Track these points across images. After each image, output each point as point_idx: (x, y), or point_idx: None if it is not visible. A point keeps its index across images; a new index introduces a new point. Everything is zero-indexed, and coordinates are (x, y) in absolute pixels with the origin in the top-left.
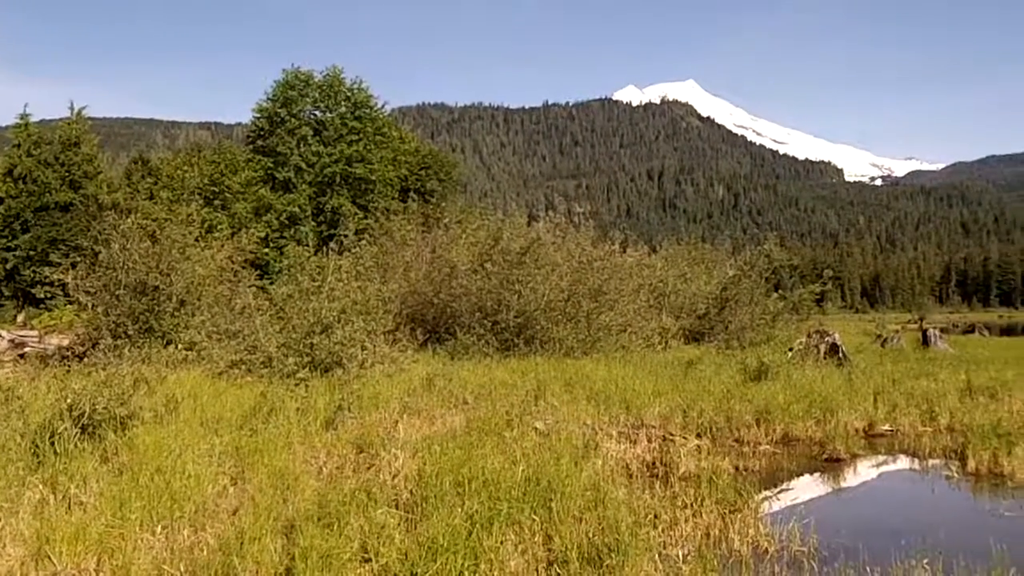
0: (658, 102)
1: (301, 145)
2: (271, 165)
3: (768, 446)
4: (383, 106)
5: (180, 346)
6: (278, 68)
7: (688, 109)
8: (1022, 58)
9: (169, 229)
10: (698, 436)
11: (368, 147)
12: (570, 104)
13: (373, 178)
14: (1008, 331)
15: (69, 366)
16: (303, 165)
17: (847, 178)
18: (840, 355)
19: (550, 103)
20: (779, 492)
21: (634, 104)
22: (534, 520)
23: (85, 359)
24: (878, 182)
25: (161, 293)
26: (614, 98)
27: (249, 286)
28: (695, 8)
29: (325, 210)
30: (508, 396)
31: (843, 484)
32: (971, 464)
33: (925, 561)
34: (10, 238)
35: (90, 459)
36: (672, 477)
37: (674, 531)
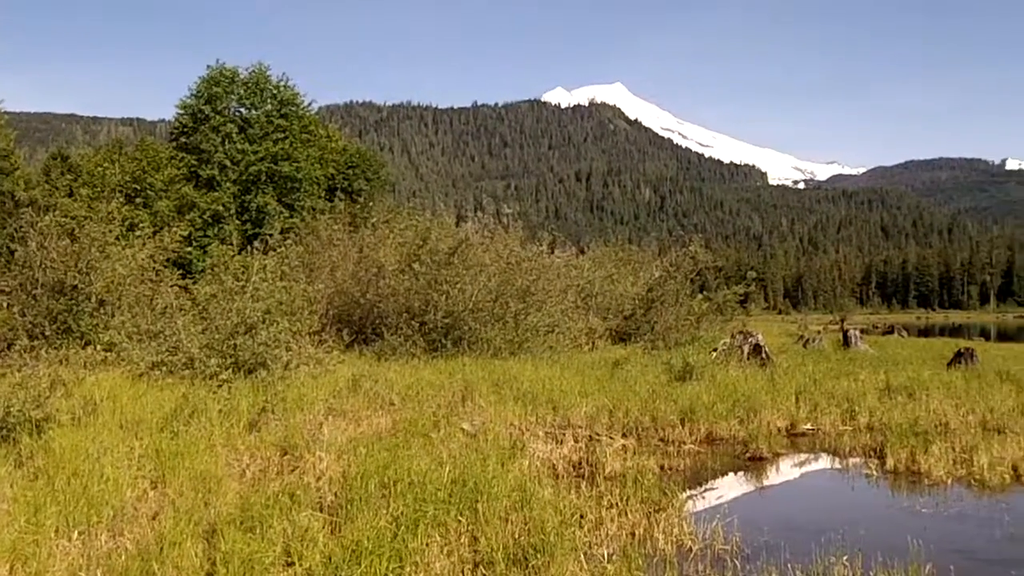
0: (586, 104)
1: (226, 142)
2: (195, 162)
3: (693, 445)
4: (310, 104)
5: (99, 347)
6: (202, 65)
7: (616, 112)
8: (941, 65)
9: (89, 227)
10: (624, 436)
11: (294, 145)
12: (499, 105)
13: (299, 176)
14: (925, 332)
15: None
16: (228, 163)
17: (771, 181)
18: (763, 355)
19: (479, 103)
20: (703, 491)
21: (563, 106)
22: (460, 522)
23: None
24: (801, 185)
25: (80, 293)
26: (543, 100)
27: (171, 286)
28: (622, 11)
29: (250, 208)
30: (435, 397)
31: (766, 482)
32: (890, 462)
33: (845, 558)
34: None
35: (3, 464)
36: (598, 477)
37: (600, 531)
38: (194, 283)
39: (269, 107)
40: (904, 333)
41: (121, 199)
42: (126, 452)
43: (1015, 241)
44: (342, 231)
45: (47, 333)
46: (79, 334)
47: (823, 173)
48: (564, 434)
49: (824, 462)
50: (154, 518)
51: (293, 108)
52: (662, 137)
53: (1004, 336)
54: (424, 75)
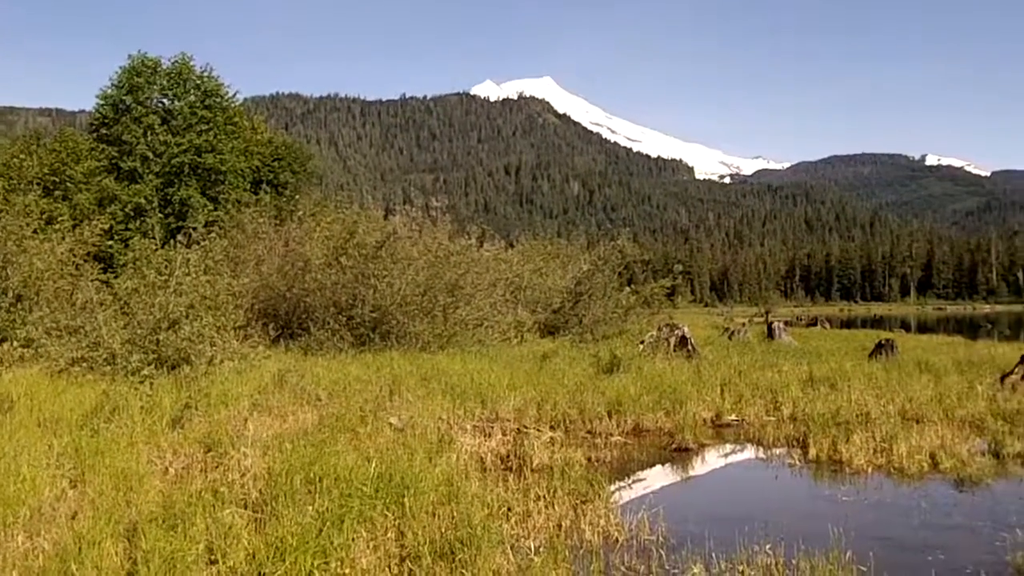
0: (515, 98)
1: (148, 134)
2: (116, 154)
3: (620, 437)
4: (234, 95)
5: (16, 343)
6: (124, 54)
7: (545, 106)
8: (863, 60)
9: (5, 220)
10: (552, 428)
11: (218, 137)
12: (428, 97)
13: (224, 169)
14: (848, 324)
15: None
16: (150, 155)
17: (698, 176)
18: (689, 347)
19: (408, 96)
20: (630, 482)
21: (492, 99)
22: (387, 516)
23: None
24: (727, 180)
25: None
26: (472, 93)
27: (92, 280)
28: (552, 4)
29: (173, 201)
30: (363, 392)
31: (691, 473)
32: (812, 452)
33: (768, 546)
34: None
35: None
36: (526, 469)
37: (527, 523)
38: (115, 277)
39: (192, 98)
40: (827, 325)
41: (39, 192)
42: (44, 451)
43: (934, 235)
44: (267, 224)
45: None
46: None
47: (749, 168)
48: (492, 427)
49: (748, 452)
50: (73, 518)
51: (217, 99)
52: (591, 131)
53: (924, 328)
54: (352, 67)
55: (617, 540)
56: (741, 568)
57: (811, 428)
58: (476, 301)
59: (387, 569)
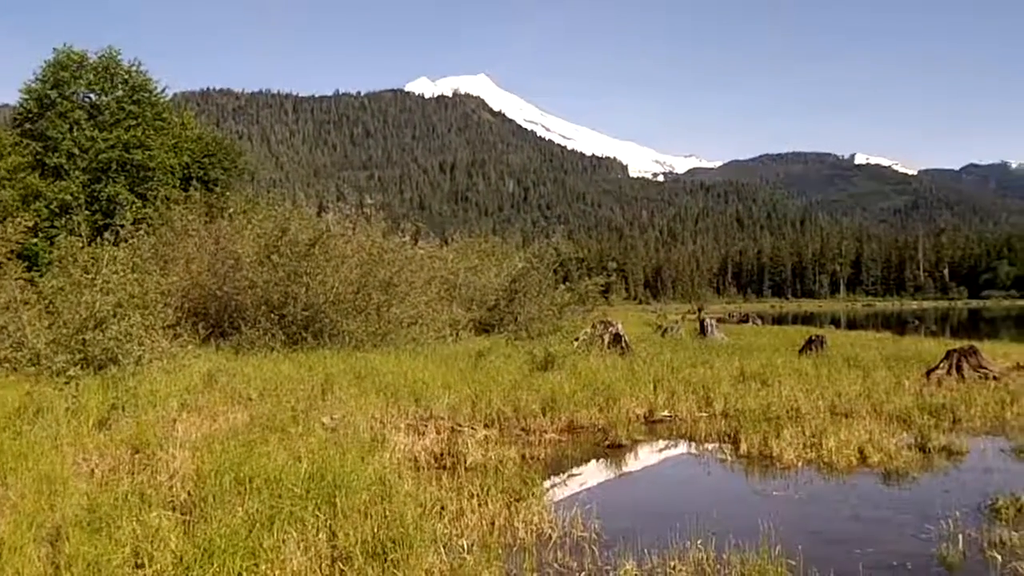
0: (450, 95)
1: (74, 129)
2: (40, 150)
3: (554, 434)
4: (163, 90)
5: None
6: (49, 47)
7: (480, 103)
8: (794, 59)
9: None
10: (486, 426)
11: (147, 133)
12: (362, 94)
13: (152, 165)
14: (779, 320)
15: None
16: (76, 151)
17: (631, 174)
18: (623, 344)
19: (341, 92)
20: (564, 479)
21: (427, 96)
22: (318, 517)
23: None
24: (660, 178)
25: None
26: (406, 89)
27: (16, 279)
28: (487, 2)
29: (100, 198)
30: (294, 391)
31: (625, 469)
32: (743, 447)
33: (700, 542)
34: None
35: None
36: (460, 468)
37: (460, 522)
38: (40, 276)
39: (120, 93)
40: (759, 321)
41: None
42: None
43: (863, 232)
44: (198, 222)
45: None
46: None
47: (682, 166)
48: (426, 426)
49: (681, 448)
50: None
51: (146, 94)
52: (525, 129)
53: (853, 324)
54: (284, 62)
55: (550, 537)
56: (673, 564)
57: (742, 424)
58: (410, 299)
59: (318, 570)
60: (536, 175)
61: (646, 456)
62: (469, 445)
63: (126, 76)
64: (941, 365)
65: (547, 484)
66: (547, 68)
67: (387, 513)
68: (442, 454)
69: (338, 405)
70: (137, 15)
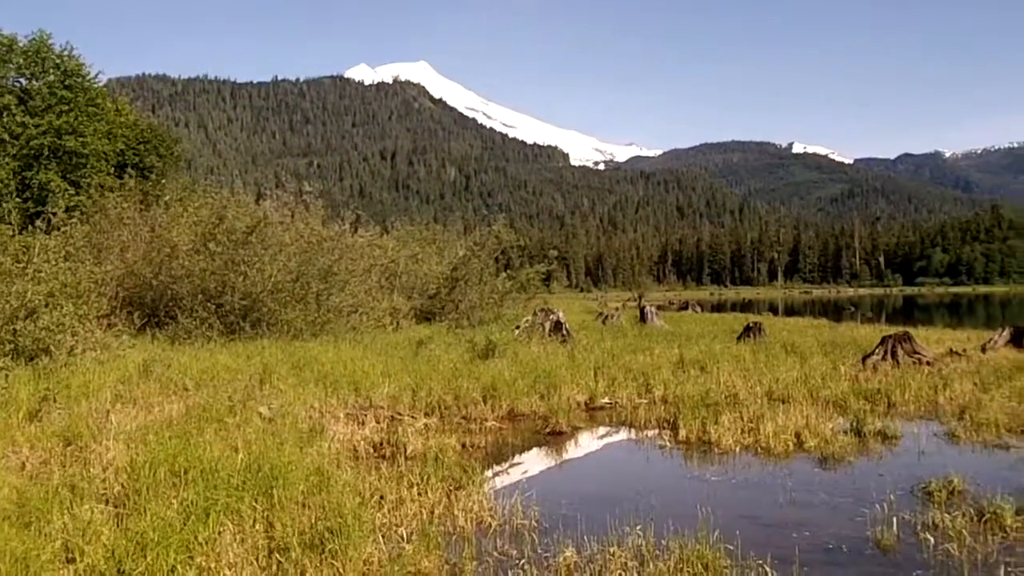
0: (391, 82)
1: (3, 115)
2: None
3: (495, 422)
4: (97, 75)
5: None
6: None
7: (421, 90)
8: (732, 49)
9: None
10: (426, 415)
11: (80, 119)
12: (301, 80)
13: (86, 152)
14: (718, 308)
15: None
16: (6, 137)
17: (573, 162)
18: (564, 332)
19: (280, 78)
20: (504, 467)
21: (367, 83)
22: (255, 508)
23: None
24: (601, 166)
25: None
26: (346, 76)
27: None
28: None
29: (32, 186)
30: (232, 381)
31: (565, 456)
32: (682, 433)
33: (638, 527)
34: None
35: None
36: (400, 457)
37: (400, 511)
38: None
39: (52, 78)
40: (698, 309)
41: None
42: None
43: (800, 221)
44: (133, 209)
45: None
46: None
47: (623, 155)
48: (366, 415)
49: (621, 435)
50: None
51: (78, 79)
52: (467, 117)
53: (791, 311)
54: (221, 48)
55: (490, 525)
56: (612, 550)
57: (681, 410)
58: (350, 288)
59: (254, 562)
60: (477, 163)
61: (586, 443)
62: (409, 434)
63: (58, 61)
64: (876, 351)
65: (487, 472)
66: (489, 56)
67: (325, 503)
68: (382, 443)
69: (276, 395)
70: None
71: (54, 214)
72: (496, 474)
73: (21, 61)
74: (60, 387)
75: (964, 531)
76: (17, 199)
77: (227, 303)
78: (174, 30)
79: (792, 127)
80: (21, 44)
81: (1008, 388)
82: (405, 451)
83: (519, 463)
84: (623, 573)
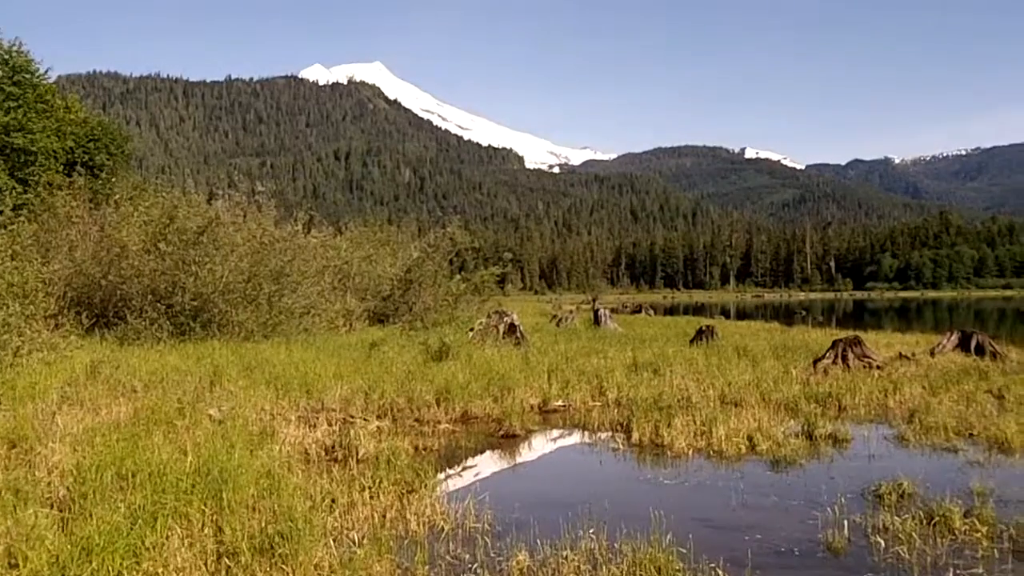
0: (345, 83)
1: None
2: None
3: (448, 425)
4: (46, 72)
5: None
6: None
7: (375, 91)
8: (685, 54)
9: None
10: (379, 418)
11: (28, 116)
12: (255, 80)
13: (34, 149)
14: (671, 311)
15: None
16: None
17: (528, 165)
18: (518, 335)
19: (233, 78)
20: (457, 470)
21: (321, 83)
22: (204, 512)
23: None
24: (556, 170)
25: None
26: (300, 76)
27: None
28: None
29: None
30: (181, 383)
31: (518, 459)
32: (635, 436)
33: (591, 531)
34: None
35: None
36: (352, 460)
37: (351, 515)
38: None
39: (0, 74)
40: (651, 312)
41: None
42: None
43: (753, 225)
44: (82, 208)
45: None
46: None
47: (577, 158)
48: (318, 418)
49: (574, 437)
50: None
51: (27, 76)
52: (422, 118)
53: (743, 314)
54: (174, 46)
55: (443, 529)
56: (565, 553)
57: (635, 413)
58: (303, 289)
59: (203, 567)
60: (432, 165)
61: (540, 446)
62: (361, 437)
63: (6, 56)
64: (827, 355)
65: (440, 475)
66: (444, 58)
67: (276, 507)
68: (334, 446)
69: (226, 397)
70: None
71: (1, 212)
72: (449, 477)
73: None
74: (5, 388)
75: (914, 534)
76: None
77: (177, 303)
78: (126, 27)
79: (745, 133)
80: None
81: (956, 392)
82: (357, 454)
83: (472, 466)
84: None
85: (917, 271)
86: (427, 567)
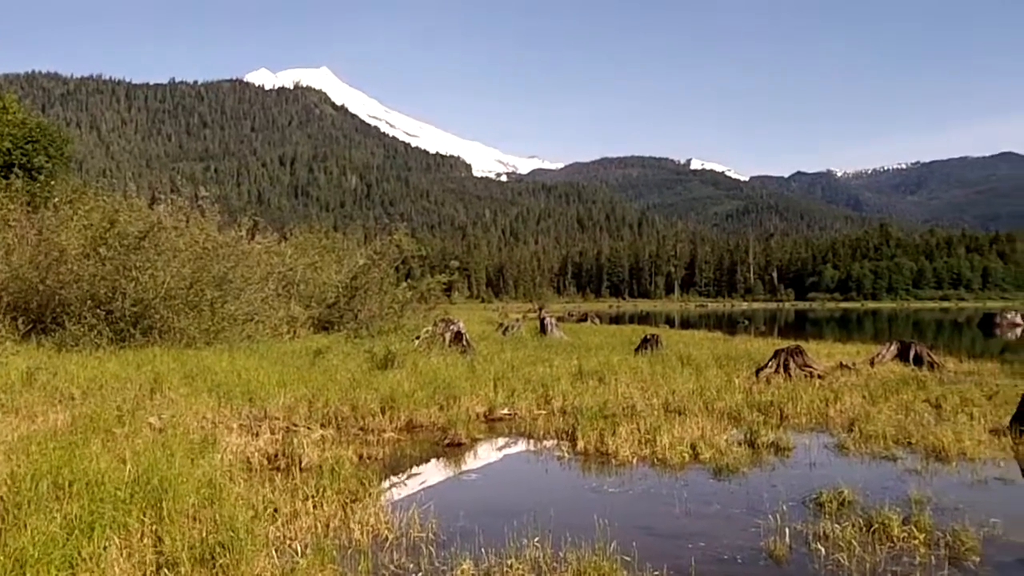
0: (291, 88)
1: None
2: None
3: (393, 433)
4: None
5: None
6: None
7: (322, 96)
8: (634, 64)
9: None
10: (323, 426)
11: None
12: (199, 83)
13: None
14: (617, 320)
15: None
16: None
17: (475, 173)
18: (464, 343)
19: (177, 81)
20: (402, 479)
21: (267, 88)
22: (143, 522)
23: None
24: (504, 178)
25: None
26: (246, 80)
27: None
28: None
29: None
30: (121, 390)
31: (464, 468)
32: (580, 444)
33: (536, 539)
34: None
35: None
36: (295, 469)
37: (294, 524)
38: None
39: None
40: (597, 320)
41: None
42: None
43: (697, 235)
44: (19, 211)
45: None
46: None
47: (525, 167)
48: (260, 426)
49: (520, 446)
50: None
51: None
52: (369, 124)
53: (687, 323)
54: (116, 47)
55: (387, 538)
56: (510, 562)
57: (580, 421)
58: (246, 295)
59: None
60: (379, 171)
61: (485, 454)
62: (305, 445)
63: None
64: (769, 364)
65: (385, 484)
66: (392, 64)
67: (217, 517)
68: (276, 455)
69: (167, 405)
70: None
71: None
72: (394, 486)
73: None
74: None
75: (853, 541)
76: None
77: (117, 309)
78: (67, 26)
79: (690, 144)
80: None
81: (895, 401)
82: (300, 463)
83: (417, 475)
84: None
85: (858, 282)
86: None
